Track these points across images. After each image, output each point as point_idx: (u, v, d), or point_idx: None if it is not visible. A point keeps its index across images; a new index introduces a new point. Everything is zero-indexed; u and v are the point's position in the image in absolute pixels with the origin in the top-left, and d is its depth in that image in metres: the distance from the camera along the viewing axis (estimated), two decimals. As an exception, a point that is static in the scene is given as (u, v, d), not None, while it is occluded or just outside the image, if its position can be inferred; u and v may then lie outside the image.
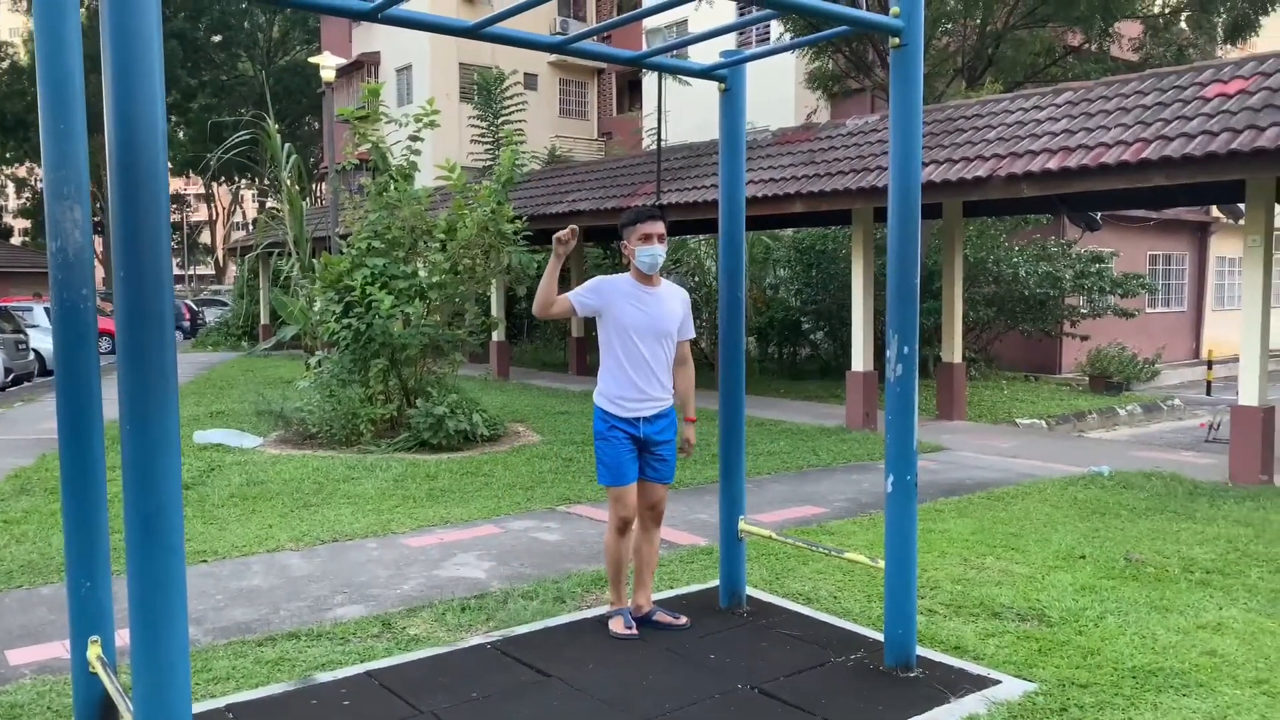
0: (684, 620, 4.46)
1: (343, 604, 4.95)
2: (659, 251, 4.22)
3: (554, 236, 4.11)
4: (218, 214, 50.23)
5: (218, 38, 39.71)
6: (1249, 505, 7.11)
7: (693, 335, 4.46)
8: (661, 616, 4.47)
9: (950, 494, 7.57)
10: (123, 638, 3.71)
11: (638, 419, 4.25)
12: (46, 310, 20.42)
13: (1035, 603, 4.84)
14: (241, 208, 51.39)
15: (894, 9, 3.84)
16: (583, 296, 4.26)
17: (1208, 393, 18.12)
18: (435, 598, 5.02)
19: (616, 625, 4.37)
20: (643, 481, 4.35)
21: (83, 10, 3.37)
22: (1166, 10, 18.02)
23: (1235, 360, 17.27)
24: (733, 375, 4.69)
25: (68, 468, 3.11)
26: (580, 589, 5.12)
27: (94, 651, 3.12)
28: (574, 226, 4.14)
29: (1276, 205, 8.51)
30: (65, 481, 3.11)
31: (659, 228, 4.24)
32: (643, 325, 4.22)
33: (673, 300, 4.35)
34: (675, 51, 4.76)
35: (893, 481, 3.95)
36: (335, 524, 6.46)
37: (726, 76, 4.61)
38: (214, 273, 53.79)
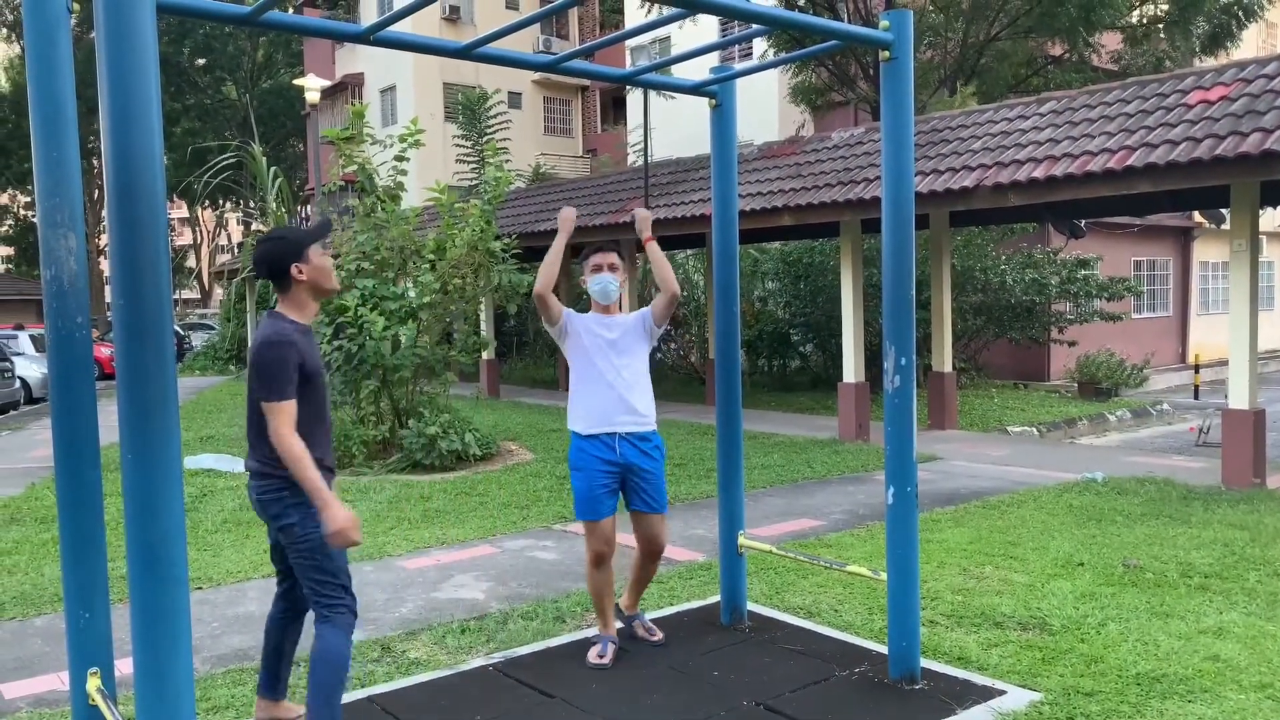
0: (659, 636, 4.44)
1: (341, 628, 4.90)
2: (609, 279, 4.22)
3: (561, 216, 4.30)
4: (202, 238, 50.07)
5: (201, 61, 39.66)
6: (1243, 508, 7.14)
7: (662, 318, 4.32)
8: (640, 628, 4.48)
9: (946, 504, 7.58)
10: (122, 668, 3.67)
11: (613, 435, 4.14)
12: (32, 338, 20.25)
13: (1036, 611, 4.84)
14: (226, 231, 51.20)
15: (883, 23, 3.87)
16: (565, 310, 4.27)
17: (1195, 396, 18.20)
18: (434, 620, 4.99)
19: (591, 655, 4.25)
20: (635, 513, 4.25)
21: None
22: (1145, 21, 18.23)
23: (1221, 364, 17.38)
24: (729, 388, 4.69)
25: (64, 497, 3.08)
26: (580, 608, 5.09)
27: (94, 683, 3.08)
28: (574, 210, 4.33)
29: (1260, 210, 8.58)
30: (62, 511, 3.08)
31: (610, 258, 4.25)
32: (605, 346, 4.19)
33: (633, 320, 4.31)
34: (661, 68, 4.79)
35: (893, 493, 3.95)
36: (330, 547, 6.41)
37: (717, 92, 4.62)
38: (199, 297, 53.55)
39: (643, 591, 4.57)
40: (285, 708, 3.60)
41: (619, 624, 4.41)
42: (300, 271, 3.19)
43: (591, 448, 4.14)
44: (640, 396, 4.20)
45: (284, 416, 3.03)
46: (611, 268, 4.25)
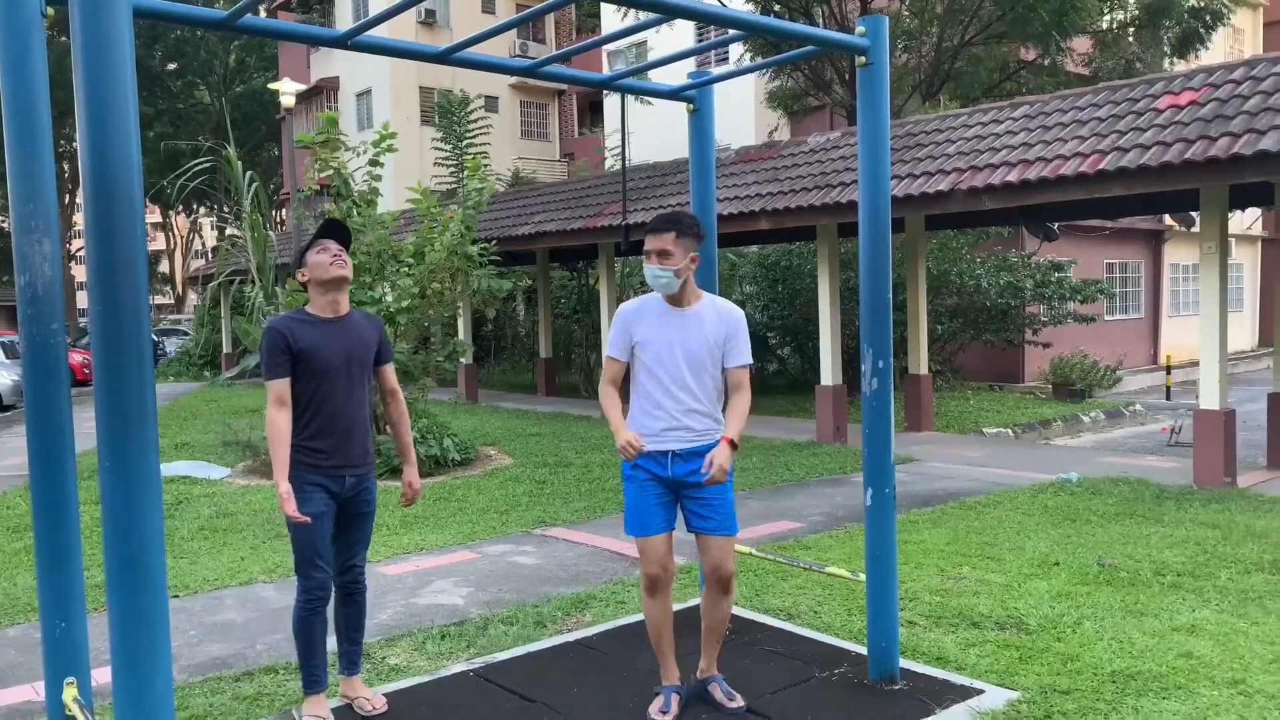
0: (739, 703, 3.72)
1: (320, 635, 4.87)
2: (657, 271, 3.57)
3: (626, 445, 3.54)
4: (175, 243, 49.60)
5: (173, 65, 39.30)
6: (1214, 507, 7.24)
7: (745, 361, 3.69)
8: (716, 690, 3.78)
9: (923, 505, 7.63)
10: (97, 678, 3.63)
11: (665, 453, 3.63)
12: (3, 345, 20.00)
13: (1013, 611, 4.88)
14: (200, 236, 50.71)
15: (859, 28, 3.91)
16: (615, 344, 3.71)
17: (1167, 397, 18.42)
18: (414, 626, 4.97)
19: (653, 709, 3.70)
20: (696, 535, 3.72)
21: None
22: (1115, 26, 18.46)
23: (1192, 365, 17.57)
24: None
25: (39, 506, 3.05)
26: (560, 613, 5.09)
27: (70, 693, 3.05)
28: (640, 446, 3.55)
29: (1229, 213, 8.71)
30: (38, 519, 3.05)
31: (660, 241, 3.57)
32: (663, 347, 3.62)
33: (712, 322, 3.66)
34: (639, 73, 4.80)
35: (871, 494, 3.98)
36: (308, 554, 6.37)
37: (695, 98, 4.65)
38: (173, 302, 53.02)
39: (718, 644, 3.83)
40: (353, 685, 3.91)
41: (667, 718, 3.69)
42: (302, 274, 3.75)
43: (643, 460, 3.66)
44: (702, 407, 3.66)
45: (270, 395, 3.53)
46: (662, 256, 3.55)
